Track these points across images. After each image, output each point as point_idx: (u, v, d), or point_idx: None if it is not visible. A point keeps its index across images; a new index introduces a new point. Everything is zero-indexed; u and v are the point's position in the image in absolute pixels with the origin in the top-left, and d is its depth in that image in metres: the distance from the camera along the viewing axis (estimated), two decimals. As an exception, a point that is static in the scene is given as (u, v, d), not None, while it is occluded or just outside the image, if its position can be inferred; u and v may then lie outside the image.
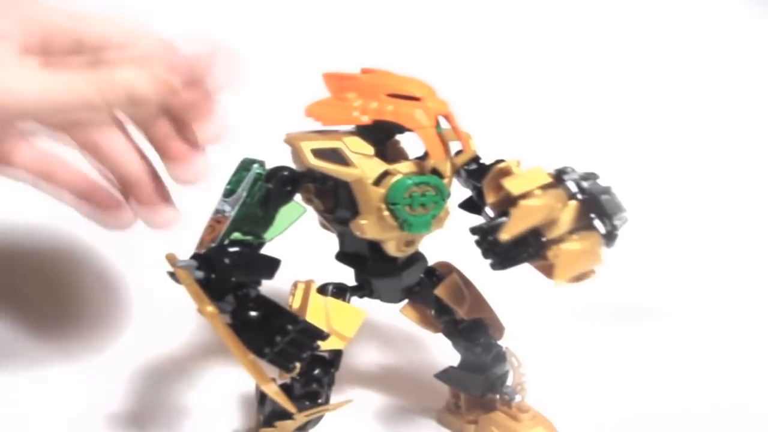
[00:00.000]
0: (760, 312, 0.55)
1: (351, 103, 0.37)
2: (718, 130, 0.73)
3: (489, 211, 0.39)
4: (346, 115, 0.37)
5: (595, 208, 0.37)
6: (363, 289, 0.40)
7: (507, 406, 0.43)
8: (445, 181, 0.38)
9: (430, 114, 0.36)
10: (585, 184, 0.37)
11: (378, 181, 0.37)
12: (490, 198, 0.38)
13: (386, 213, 0.37)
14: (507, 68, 0.75)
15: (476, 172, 0.40)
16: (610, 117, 0.73)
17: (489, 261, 0.38)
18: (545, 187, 0.36)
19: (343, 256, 0.40)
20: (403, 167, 0.37)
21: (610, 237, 0.36)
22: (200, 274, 0.34)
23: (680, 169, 0.70)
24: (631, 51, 0.79)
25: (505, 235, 0.36)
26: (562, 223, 0.36)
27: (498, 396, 0.43)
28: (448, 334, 0.43)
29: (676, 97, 0.77)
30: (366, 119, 0.36)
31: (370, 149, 0.37)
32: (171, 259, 0.35)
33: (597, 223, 0.37)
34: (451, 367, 0.43)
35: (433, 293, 0.41)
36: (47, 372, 0.47)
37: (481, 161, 0.41)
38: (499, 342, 0.43)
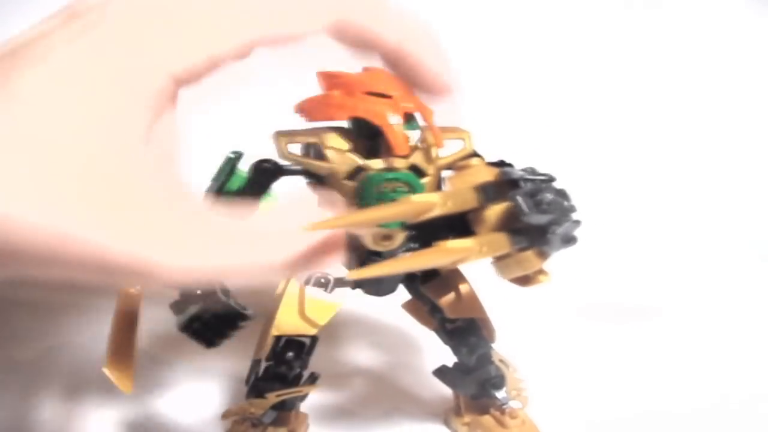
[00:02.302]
0: (755, 312, 0.54)
1: (333, 100, 0.37)
2: (719, 131, 0.70)
3: None
4: (326, 111, 0.37)
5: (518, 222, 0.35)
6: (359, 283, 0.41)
7: (499, 411, 0.42)
8: (427, 179, 0.37)
9: (398, 110, 0.36)
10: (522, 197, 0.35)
11: (352, 176, 0.37)
12: None
13: (356, 207, 0.37)
14: (506, 68, 0.74)
15: None
16: (610, 117, 0.71)
17: None
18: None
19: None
20: (378, 163, 0.37)
21: (540, 248, 0.35)
22: None
23: (678, 169, 0.67)
24: (632, 50, 0.77)
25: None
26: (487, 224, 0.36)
27: (492, 399, 0.42)
28: (438, 333, 0.42)
29: (676, 97, 0.74)
30: (341, 117, 0.37)
31: (345, 145, 0.37)
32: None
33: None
34: (446, 366, 0.42)
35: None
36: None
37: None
38: (492, 344, 0.42)
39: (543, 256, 0.34)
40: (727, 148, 0.70)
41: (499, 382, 0.41)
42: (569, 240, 0.34)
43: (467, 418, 0.43)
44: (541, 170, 0.36)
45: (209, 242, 0.27)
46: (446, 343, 0.42)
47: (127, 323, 0.35)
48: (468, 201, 0.35)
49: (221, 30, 0.28)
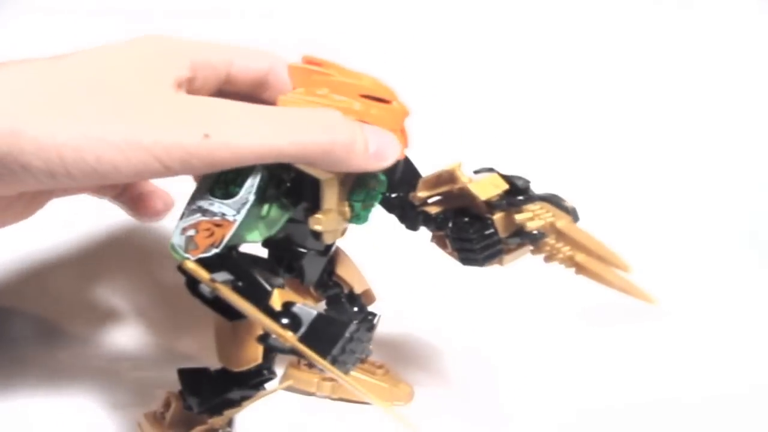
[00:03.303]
0: (753, 313, 0.55)
1: (327, 100, 0.37)
2: (720, 134, 0.72)
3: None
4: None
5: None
6: (292, 270, 0.42)
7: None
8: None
9: (401, 118, 0.37)
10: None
11: (343, 179, 0.38)
12: (424, 192, 0.40)
13: (347, 209, 0.38)
14: (492, 72, 0.76)
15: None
16: (610, 119, 0.73)
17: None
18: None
19: (272, 242, 0.41)
20: None
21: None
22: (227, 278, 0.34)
23: (678, 170, 0.69)
24: (631, 50, 0.79)
25: None
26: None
27: None
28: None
29: (676, 98, 0.76)
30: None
31: None
32: (195, 270, 0.34)
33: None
34: None
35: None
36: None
37: None
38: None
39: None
40: (727, 148, 0.70)
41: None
42: None
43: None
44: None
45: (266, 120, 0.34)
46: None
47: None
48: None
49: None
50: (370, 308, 0.46)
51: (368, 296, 0.46)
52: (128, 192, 0.47)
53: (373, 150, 0.36)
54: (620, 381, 0.49)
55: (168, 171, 0.33)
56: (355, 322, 0.34)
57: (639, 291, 0.41)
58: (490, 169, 0.41)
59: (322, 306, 0.45)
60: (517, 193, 0.40)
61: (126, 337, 0.51)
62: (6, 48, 0.46)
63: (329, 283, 0.45)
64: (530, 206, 0.40)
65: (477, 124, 0.72)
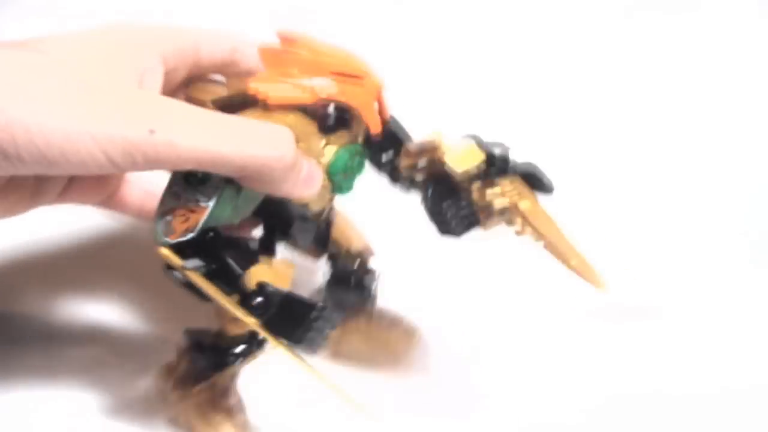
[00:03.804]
0: (744, 310, 0.54)
1: (297, 79, 0.37)
2: (721, 137, 0.70)
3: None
4: (289, 92, 0.37)
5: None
6: (287, 237, 0.43)
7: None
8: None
9: (373, 93, 0.38)
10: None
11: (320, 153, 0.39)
12: (407, 161, 0.41)
13: (327, 182, 0.39)
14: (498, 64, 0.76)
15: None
16: (609, 120, 0.72)
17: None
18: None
19: (263, 210, 0.41)
20: (338, 139, 0.39)
21: None
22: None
23: (676, 172, 0.67)
24: (630, 51, 0.78)
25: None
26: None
27: None
28: None
29: (675, 99, 0.74)
30: (309, 99, 0.37)
31: (313, 127, 0.38)
32: (168, 257, 0.36)
33: None
34: None
35: None
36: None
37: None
38: None
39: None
40: (725, 151, 0.69)
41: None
42: None
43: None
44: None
45: (225, 127, 0.35)
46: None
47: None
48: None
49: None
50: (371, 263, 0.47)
51: (367, 251, 0.47)
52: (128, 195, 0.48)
53: (304, 176, 0.37)
54: (614, 379, 0.49)
55: (112, 164, 0.34)
56: (320, 303, 0.36)
57: (592, 274, 0.41)
58: (473, 137, 0.41)
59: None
60: (494, 163, 0.40)
61: (127, 335, 0.51)
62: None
63: (327, 245, 0.46)
64: (503, 181, 0.40)
65: (465, 93, 0.72)
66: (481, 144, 0.41)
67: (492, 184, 0.40)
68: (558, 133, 0.70)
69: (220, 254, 0.37)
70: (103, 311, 0.52)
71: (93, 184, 0.44)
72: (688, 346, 0.51)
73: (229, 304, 0.36)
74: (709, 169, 0.67)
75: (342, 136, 0.39)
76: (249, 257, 0.38)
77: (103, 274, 0.54)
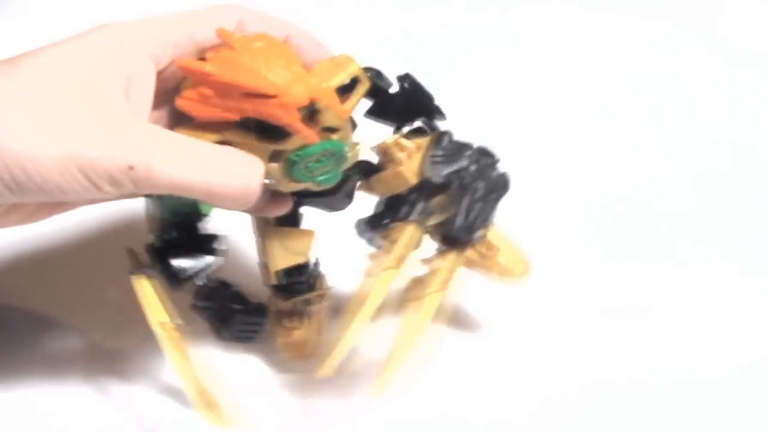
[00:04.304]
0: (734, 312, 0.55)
1: (212, 100, 0.36)
2: (710, 140, 0.71)
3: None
4: (213, 112, 0.36)
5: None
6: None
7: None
8: (339, 133, 0.38)
9: (290, 111, 0.35)
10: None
11: (273, 159, 0.37)
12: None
13: (293, 184, 0.39)
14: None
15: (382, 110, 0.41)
16: (609, 120, 0.73)
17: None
18: None
19: None
20: (291, 143, 0.37)
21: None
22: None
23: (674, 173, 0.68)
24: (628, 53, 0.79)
25: None
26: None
27: None
28: None
29: (674, 100, 0.75)
30: (233, 117, 0.36)
31: (251, 137, 0.37)
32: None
33: None
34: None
35: None
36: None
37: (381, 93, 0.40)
38: None
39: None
40: (723, 154, 0.70)
41: None
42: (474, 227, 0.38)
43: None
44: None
45: (188, 156, 0.36)
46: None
47: (184, 363, 0.41)
48: (414, 240, 0.38)
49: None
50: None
51: None
52: None
53: (271, 200, 0.39)
54: (609, 372, 0.50)
55: (105, 194, 0.36)
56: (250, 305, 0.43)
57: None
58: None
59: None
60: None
61: (127, 333, 0.51)
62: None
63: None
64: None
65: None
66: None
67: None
68: (551, 132, 0.70)
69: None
70: (102, 307, 0.52)
71: None
72: (677, 342, 0.52)
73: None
74: (695, 176, 0.67)
75: (295, 140, 0.37)
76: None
77: (102, 272, 0.54)
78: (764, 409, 0.47)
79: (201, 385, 0.41)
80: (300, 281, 0.46)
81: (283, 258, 0.45)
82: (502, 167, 0.41)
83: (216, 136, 0.37)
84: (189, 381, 0.40)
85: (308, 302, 0.47)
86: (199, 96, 0.36)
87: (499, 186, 0.40)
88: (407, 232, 0.39)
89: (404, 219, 0.40)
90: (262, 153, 0.37)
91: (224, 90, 0.35)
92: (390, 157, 0.41)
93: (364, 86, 0.38)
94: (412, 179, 0.40)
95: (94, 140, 0.35)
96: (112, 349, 0.50)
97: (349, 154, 0.39)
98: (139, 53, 0.37)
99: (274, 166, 0.38)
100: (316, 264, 0.48)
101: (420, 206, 0.39)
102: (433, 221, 0.40)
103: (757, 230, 0.62)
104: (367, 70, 0.39)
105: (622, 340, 0.52)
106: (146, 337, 0.50)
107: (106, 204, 0.48)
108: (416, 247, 0.39)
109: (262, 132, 0.37)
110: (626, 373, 0.49)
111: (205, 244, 0.42)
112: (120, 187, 0.35)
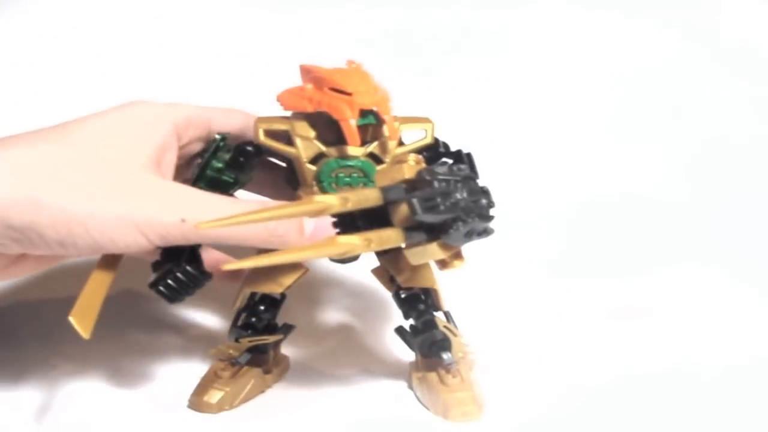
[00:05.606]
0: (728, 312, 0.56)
1: (305, 93, 0.43)
2: (719, 142, 0.72)
3: None
4: (299, 102, 0.43)
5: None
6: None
7: (444, 369, 0.46)
8: (383, 166, 0.43)
9: (354, 108, 0.41)
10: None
11: (314, 161, 0.43)
12: None
13: (316, 188, 0.43)
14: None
15: (430, 160, 0.45)
16: (608, 121, 0.73)
17: None
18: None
19: None
20: (336, 151, 0.43)
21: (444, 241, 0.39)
22: None
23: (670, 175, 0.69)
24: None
25: None
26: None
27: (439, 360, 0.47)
28: (393, 297, 0.47)
29: (672, 101, 0.75)
30: (310, 108, 0.42)
31: (311, 132, 0.43)
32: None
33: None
34: (402, 326, 0.48)
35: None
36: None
37: (440, 149, 0.46)
38: (441, 311, 0.47)
39: (447, 248, 0.39)
40: (720, 156, 0.70)
41: (444, 344, 0.46)
42: (473, 234, 0.39)
43: (420, 374, 0.47)
44: (464, 168, 0.40)
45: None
46: (399, 307, 0.47)
47: (101, 280, 0.42)
48: (370, 199, 0.38)
49: None
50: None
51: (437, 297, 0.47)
52: None
53: (310, 234, 0.42)
54: (611, 367, 0.50)
55: (151, 245, 0.40)
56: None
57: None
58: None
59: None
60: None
61: (128, 332, 0.52)
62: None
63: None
64: None
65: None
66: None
67: None
68: (551, 133, 0.71)
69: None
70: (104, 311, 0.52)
71: None
72: (676, 342, 0.52)
73: None
74: (692, 178, 0.68)
75: (343, 150, 0.43)
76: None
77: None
78: (761, 406, 0.47)
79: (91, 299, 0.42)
80: (261, 313, 0.46)
81: (262, 281, 0.45)
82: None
83: (285, 126, 0.44)
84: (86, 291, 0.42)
85: (258, 349, 0.46)
86: (298, 90, 0.43)
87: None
88: (390, 231, 0.39)
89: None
90: (310, 151, 0.43)
91: (320, 82, 0.42)
92: (399, 160, 0.44)
93: (425, 140, 0.45)
94: (407, 175, 0.42)
95: (148, 199, 0.39)
96: (112, 351, 0.50)
97: (373, 180, 0.43)
98: (165, 126, 0.43)
99: (310, 168, 0.43)
100: (280, 302, 0.46)
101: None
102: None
103: (753, 232, 0.62)
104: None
105: (622, 340, 0.52)
106: (140, 341, 0.52)
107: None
108: (392, 244, 0.39)
109: (321, 130, 0.43)
110: (626, 373, 0.49)
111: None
112: (169, 240, 0.39)
